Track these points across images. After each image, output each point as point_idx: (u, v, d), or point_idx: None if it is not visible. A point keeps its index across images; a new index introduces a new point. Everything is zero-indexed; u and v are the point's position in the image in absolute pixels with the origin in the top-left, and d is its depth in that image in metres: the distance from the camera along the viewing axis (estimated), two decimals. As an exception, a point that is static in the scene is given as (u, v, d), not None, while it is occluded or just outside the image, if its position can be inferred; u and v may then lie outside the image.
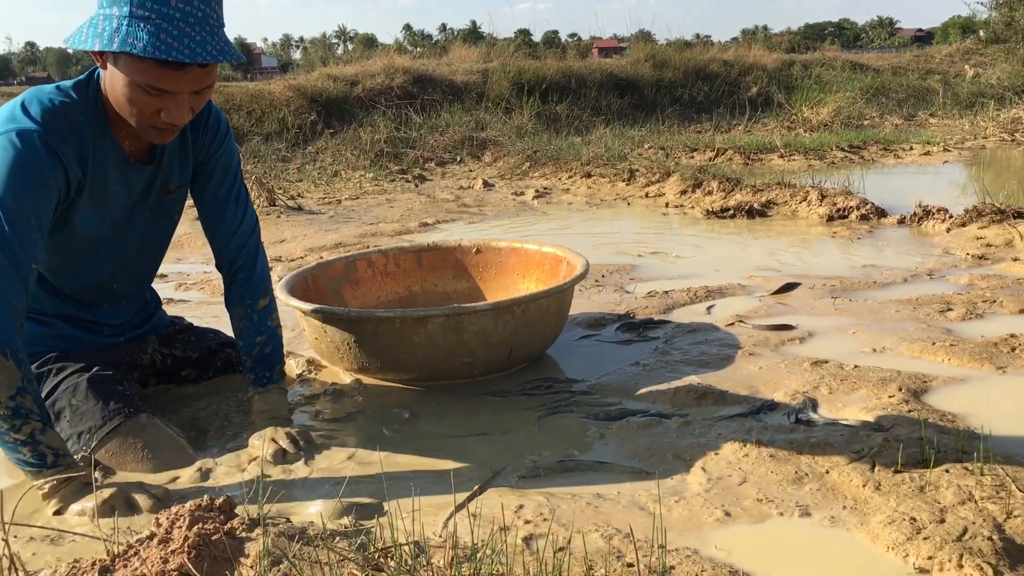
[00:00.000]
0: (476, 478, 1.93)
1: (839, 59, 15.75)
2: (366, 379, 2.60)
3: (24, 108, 1.83)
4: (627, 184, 6.58)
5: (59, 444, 1.83)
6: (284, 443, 2.06)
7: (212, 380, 2.51)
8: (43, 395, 2.06)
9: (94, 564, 1.45)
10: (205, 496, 1.63)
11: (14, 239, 1.74)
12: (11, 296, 1.74)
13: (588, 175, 6.97)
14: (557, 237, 4.87)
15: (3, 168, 1.75)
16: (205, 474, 2.01)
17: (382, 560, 1.45)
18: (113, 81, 1.81)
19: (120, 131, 1.97)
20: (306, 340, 2.76)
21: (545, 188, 6.76)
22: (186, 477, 2.00)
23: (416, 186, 7.19)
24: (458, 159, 8.37)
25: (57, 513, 1.81)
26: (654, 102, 11.79)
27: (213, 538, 1.48)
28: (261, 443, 2.08)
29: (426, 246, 3.22)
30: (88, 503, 1.79)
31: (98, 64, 1.85)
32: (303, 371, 2.69)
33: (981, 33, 18.83)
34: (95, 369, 2.11)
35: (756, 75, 13.44)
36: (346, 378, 2.62)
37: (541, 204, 6.22)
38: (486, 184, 7.06)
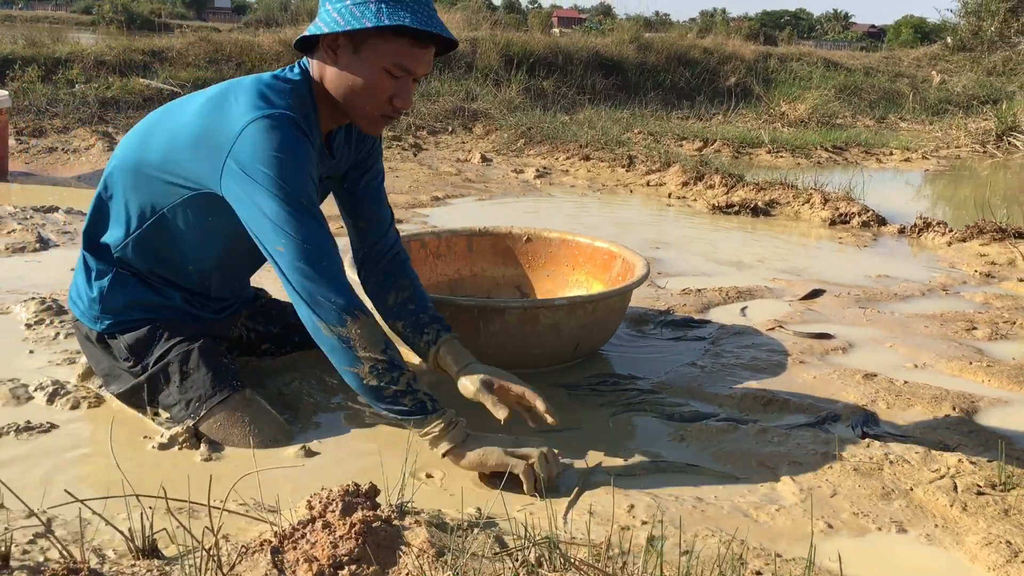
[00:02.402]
0: (571, 473, 2.00)
1: (813, 55, 16.01)
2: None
3: (267, 98, 1.90)
4: (627, 171, 6.67)
5: (429, 390, 1.93)
6: (535, 401, 2.04)
7: (288, 355, 2.54)
8: (155, 360, 2.11)
9: (263, 544, 1.50)
10: (350, 481, 1.68)
11: (318, 214, 1.88)
12: (341, 265, 1.88)
13: (587, 158, 7.04)
14: (574, 223, 4.94)
15: (285, 145, 1.84)
16: (309, 452, 2.06)
17: (544, 556, 1.52)
18: (350, 69, 1.91)
19: (321, 126, 2.04)
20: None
21: (545, 168, 6.81)
22: (291, 455, 2.04)
23: (414, 155, 7.19)
24: (449, 129, 8.36)
25: (446, 455, 1.91)
26: (638, 85, 11.87)
27: (374, 525, 1.54)
28: (479, 391, 2.04)
29: (477, 231, 3.27)
30: (491, 456, 1.89)
31: (327, 58, 1.93)
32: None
33: (948, 40, 19.23)
34: (202, 340, 2.14)
35: (734, 65, 13.59)
36: (412, 359, 2.67)
37: (544, 184, 6.28)
38: (484, 159, 7.08)
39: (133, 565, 1.49)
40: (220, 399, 2.08)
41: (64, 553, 1.47)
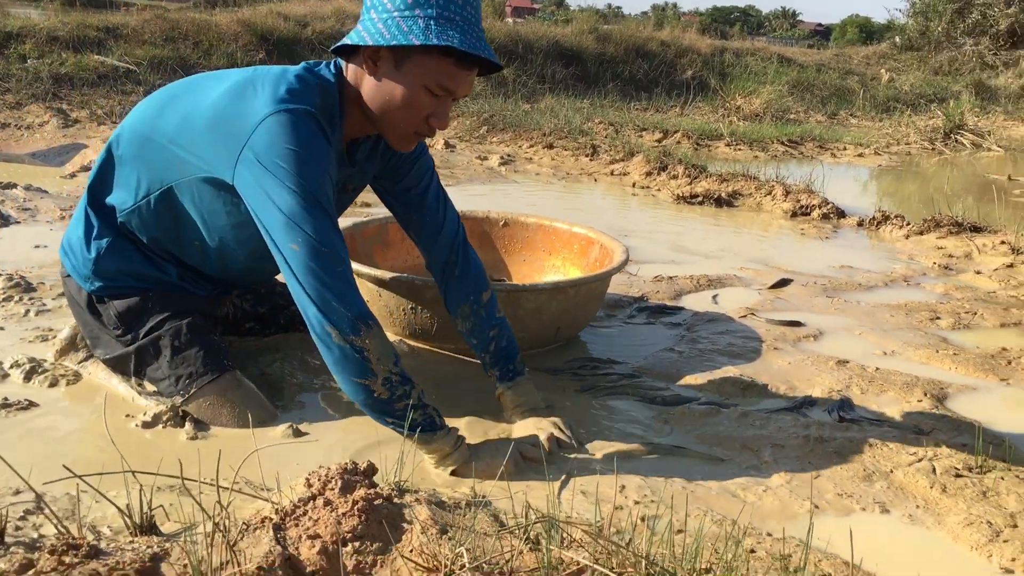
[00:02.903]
0: (560, 455, 2.02)
1: (767, 50, 16.19)
2: (411, 342, 2.66)
3: (292, 91, 1.82)
4: (591, 160, 6.70)
5: (435, 407, 1.88)
6: (557, 432, 2.07)
7: (272, 336, 2.52)
8: (146, 332, 2.08)
9: (264, 521, 1.49)
10: (346, 460, 1.67)
11: (334, 215, 1.81)
12: (351, 271, 1.81)
13: (550, 146, 7.06)
14: (541, 210, 4.95)
15: (304, 141, 1.77)
16: (297, 432, 2.05)
17: (542, 535, 1.53)
18: (391, 83, 1.83)
19: (344, 132, 1.98)
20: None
21: (509, 155, 6.81)
22: (279, 435, 2.03)
23: (376, 140, 7.14)
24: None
25: (454, 474, 1.90)
26: (597, 75, 11.91)
27: (376, 503, 1.54)
28: (524, 434, 2.06)
29: (454, 214, 3.26)
30: (497, 467, 1.87)
31: (367, 68, 1.85)
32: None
33: (897, 39, 19.59)
34: (194, 315, 2.12)
35: (691, 58, 13.70)
36: (390, 335, 2.67)
37: (509, 172, 6.28)
38: (447, 145, 7.06)
39: (132, 541, 1.47)
40: (211, 378, 2.06)
41: (61, 529, 1.45)
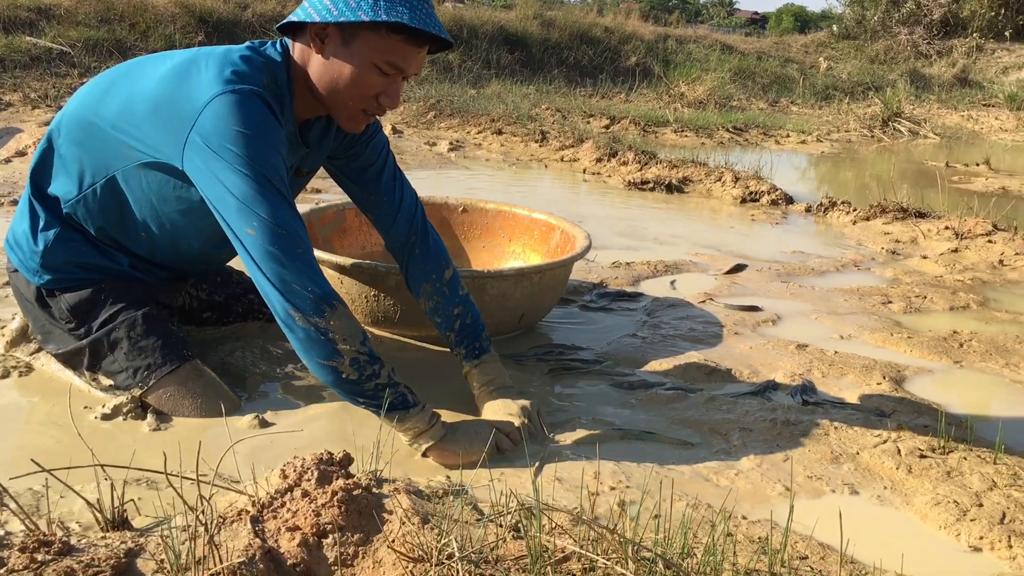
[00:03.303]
0: (530, 442, 2.01)
1: (709, 38, 16.34)
2: (374, 330, 2.62)
3: (237, 72, 1.76)
4: (540, 146, 6.69)
5: (406, 386, 1.85)
6: (527, 420, 2.03)
7: (231, 325, 2.46)
8: (100, 324, 2.01)
9: (241, 514, 1.45)
10: (323, 449, 1.64)
11: (289, 195, 1.76)
12: (312, 250, 1.77)
13: (499, 132, 7.03)
14: (495, 197, 4.92)
15: (253, 121, 1.72)
16: (264, 423, 2.01)
17: (522, 523, 1.52)
18: (338, 61, 1.79)
19: (295, 113, 1.92)
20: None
21: (458, 141, 6.77)
22: (244, 425, 1.98)
23: (323, 125, 7.04)
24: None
25: (425, 456, 1.88)
26: (542, 61, 11.90)
27: (355, 493, 1.51)
28: (497, 418, 2.03)
29: (412, 200, 3.22)
30: (476, 451, 1.86)
31: (313, 46, 1.80)
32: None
33: (834, 27, 19.93)
34: (150, 306, 2.06)
35: (635, 44, 13.76)
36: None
37: (459, 158, 6.24)
38: (395, 130, 6.99)
39: (104, 537, 1.42)
40: (170, 369, 2.00)
41: (30, 525, 1.39)
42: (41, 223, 1.98)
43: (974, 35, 18.01)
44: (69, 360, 2.07)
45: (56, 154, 1.97)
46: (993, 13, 18.04)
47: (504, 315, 2.58)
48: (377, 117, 1.96)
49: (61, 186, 1.96)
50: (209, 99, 1.72)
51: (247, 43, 1.89)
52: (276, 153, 1.75)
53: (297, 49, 1.86)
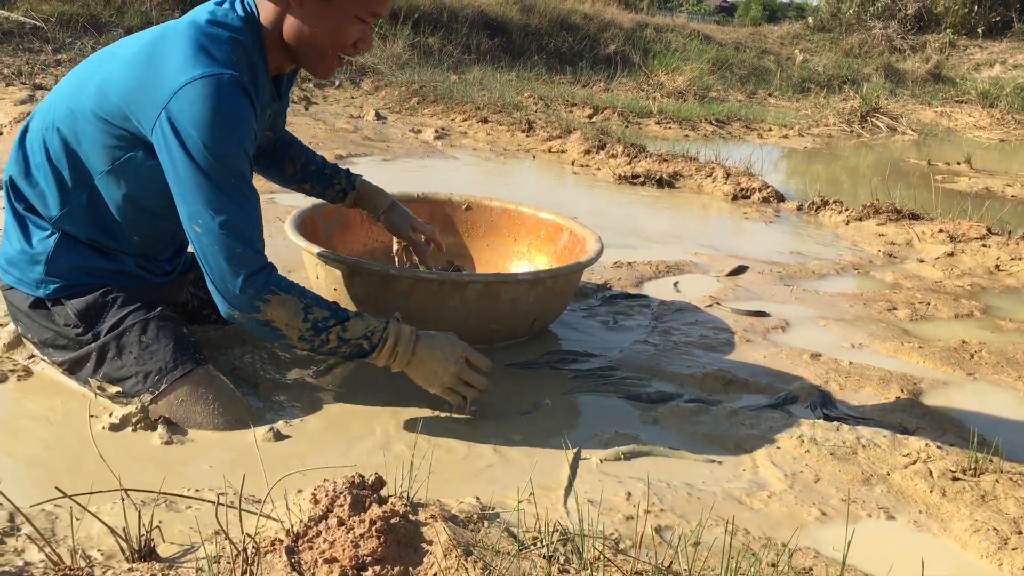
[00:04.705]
0: (557, 457, 1.95)
1: (687, 27, 16.30)
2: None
3: (207, 51, 1.74)
4: (527, 135, 6.61)
5: (364, 329, 1.90)
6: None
7: (232, 324, 2.37)
8: (109, 328, 1.93)
9: (275, 544, 1.38)
10: (354, 471, 1.56)
11: (248, 191, 1.79)
12: (260, 247, 1.81)
13: (485, 120, 6.93)
14: (487, 189, 4.84)
15: (225, 113, 1.70)
16: (279, 435, 1.92)
17: (563, 553, 1.46)
18: (317, 17, 1.83)
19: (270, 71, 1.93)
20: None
21: (443, 129, 6.66)
22: (260, 437, 1.90)
23: (305, 108, 6.91)
24: (336, 83, 8.07)
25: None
26: (522, 47, 11.78)
27: (392, 522, 1.44)
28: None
29: (415, 197, 3.13)
30: (439, 379, 1.98)
31: (288, 5, 1.83)
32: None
33: (810, 19, 19.97)
34: (160, 308, 1.97)
35: (613, 32, 13.67)
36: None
37: (445, 146, 6.14)
38: (379, 116, 6.88)
39: (131, 569, 1.33)
40: (182, 372, 1.91)
41: (53, 556, 1.30)
42: (36, 235, 1.92)
43: (947, 31, 18.12)
44: (73, 367, 1.98)
45: (32, 162, 1.91)
46: (966, 10, 18.15)
47: (517, 320, 2.51)
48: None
49: (47, 197, 1.90)
50: (181, 84, 1.70)
51: (206, 10, 1.85)
52: (241, 148, 1.75)
53: (266, 9, 1.86)
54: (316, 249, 2.42)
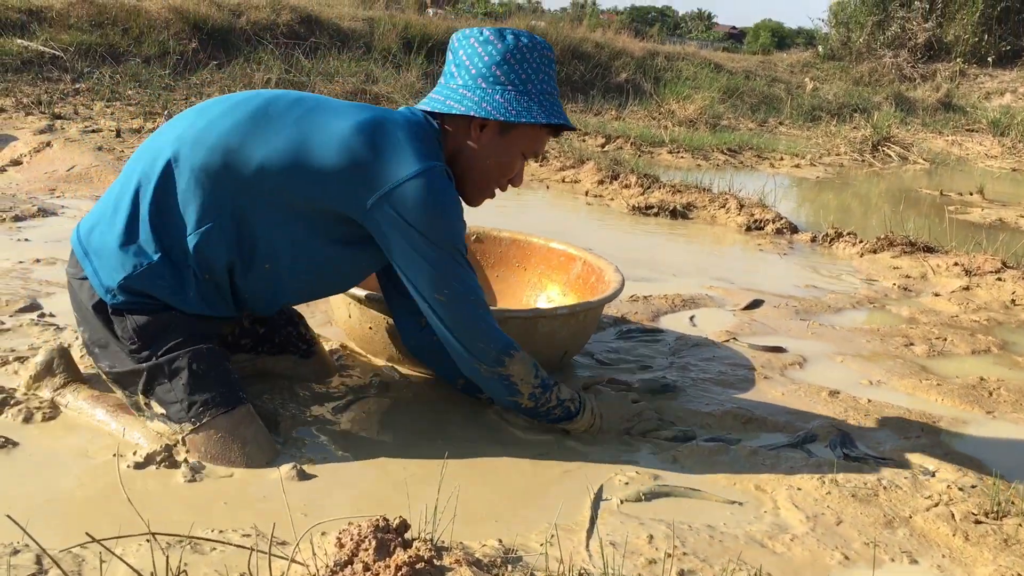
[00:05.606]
0: (579, 497, 1.95)
1: (698, 55, 16.37)
2: (403, 369, 2.55)
3: (425, 148, 1.94)
4: (540, 165, 6.63)
5: (568, 392, 2.19)
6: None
7: (261, 355, 2.38)
8: (165, 350, 1.95)
9: (302, 593, 1.38)
10: (379, 515, 1.57)
11: (469, 263, 2.03)
12: (489, 309, 2.05)
13: (498, 150, 6.96)
14: (503, 218, 4.86)
15: (445, 200, 1.92)
16: (303, 475, 1.93)
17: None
18: (493, 149, 2.04)
19: None
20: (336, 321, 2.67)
21: (457, 158, 6.69)
22: (284, 476, 1.90)
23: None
24: (350, 111, 8.12)
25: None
26: (534, 75, 11.83)
27: (418, 567, 1.44)
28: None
29: (431, 230, 3.14)
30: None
31: (471, 135, 2.03)
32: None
33: (820, 48, 20.05)
34: (213, 343, 2.02)
35: (624, 61, 13.75)
36: (379, 363, 2.58)
37: (459, 176, 6.17)
38: (393, 145, 6.91)
39: (161, 616, 1.34)
40: (225, 409, 1.94)
41: (82, 604, 1.31)
42: (138, 248, 1.91)
43: (957, 60, 18.17)
44: (121, 379, 1.99)
45: (180, 186, 1.91)
46: (976, 39, 18.20)
47: (551, 352, 2.53)
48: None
49: (188, 220, 1.91)
50: (408, 176, 1.87)
51: (408, 110, 2.06)
52: (464, 226, 1.98)
53: (451, 134, 2.05)
54: (362, 293, 2.40)
